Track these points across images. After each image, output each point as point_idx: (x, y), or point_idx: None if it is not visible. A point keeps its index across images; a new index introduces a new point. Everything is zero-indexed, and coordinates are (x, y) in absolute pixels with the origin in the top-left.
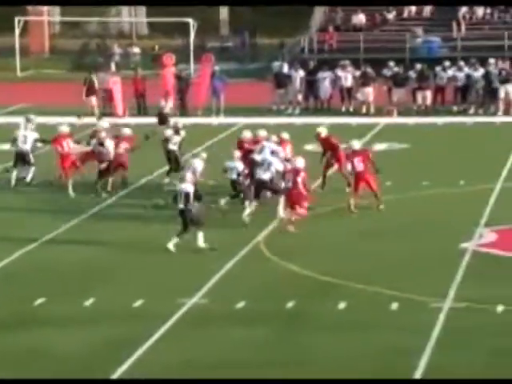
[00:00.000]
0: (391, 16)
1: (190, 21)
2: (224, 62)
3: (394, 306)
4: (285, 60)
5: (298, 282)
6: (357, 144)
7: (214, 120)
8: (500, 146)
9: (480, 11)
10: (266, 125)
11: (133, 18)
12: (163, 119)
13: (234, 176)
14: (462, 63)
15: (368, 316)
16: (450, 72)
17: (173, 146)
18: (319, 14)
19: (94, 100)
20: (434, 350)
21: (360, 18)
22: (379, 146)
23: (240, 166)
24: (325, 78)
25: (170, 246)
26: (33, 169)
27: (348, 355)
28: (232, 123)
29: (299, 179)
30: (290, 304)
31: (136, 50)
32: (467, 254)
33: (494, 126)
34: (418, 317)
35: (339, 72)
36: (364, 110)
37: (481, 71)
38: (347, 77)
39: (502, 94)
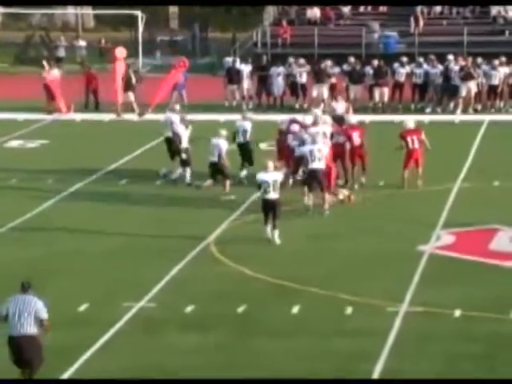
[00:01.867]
0: (347, 10)
1: (139, 13)
2: (173, 56)
3: (349, 310)
4: (237, 55)
5: (250, 286)
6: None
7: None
8: (459, 145)
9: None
10: (217, 121)
11: (78, 9)
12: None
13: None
14: (421, 59)
15: (322, 321)
16: (408, 68)
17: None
18: (272, 7)
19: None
20: (389, 355)
21: (315, 12)
22: None
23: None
24: (278, 74)
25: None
26: None
27: (302, 360)
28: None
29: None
30: (241, 308)
31: (82, 43)
32: (424, 257)
33: (453, 125)
34: (374, 321)
35: (293, 68)
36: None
37: (439, 68)
38: (302, 73)
39: (463, 92)
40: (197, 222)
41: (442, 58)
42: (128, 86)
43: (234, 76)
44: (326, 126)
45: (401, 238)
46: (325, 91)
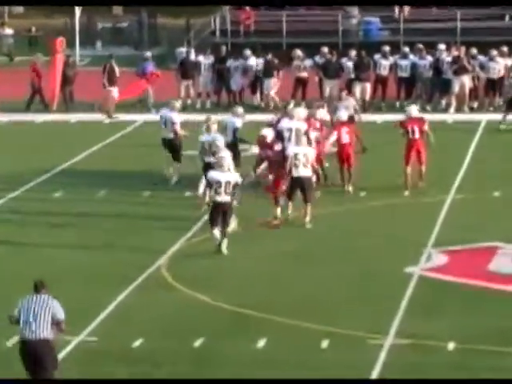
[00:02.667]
0: None
1: None
2: (117, 46)
3: (325, 343)
4: (192, 45)
5: (208, 316)
6: (344, 115)
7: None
8: (452, 149)
9: None
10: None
11: None
12: None
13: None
14: (406, 49)
15: (293, 355)
16: (392, 60)
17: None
18: None
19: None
20: None
21: None
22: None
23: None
24: (237, 67)
25: None
26: None
27: None
28: (129, 121)
29: None
30: (198, 342)
31: (8, 31)
32: (413, 280)
33: (445, 126)
34: (354, 356)
35: (251, 60)
36: (271, 104)
37: (428, 59)
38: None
39: (456, 88)
40: (147, 240)
41: (431, 48)
42: (65, 81)
43: (188, 69)
44: (300, 122)
45: (386, 258)
46: (272, 87)
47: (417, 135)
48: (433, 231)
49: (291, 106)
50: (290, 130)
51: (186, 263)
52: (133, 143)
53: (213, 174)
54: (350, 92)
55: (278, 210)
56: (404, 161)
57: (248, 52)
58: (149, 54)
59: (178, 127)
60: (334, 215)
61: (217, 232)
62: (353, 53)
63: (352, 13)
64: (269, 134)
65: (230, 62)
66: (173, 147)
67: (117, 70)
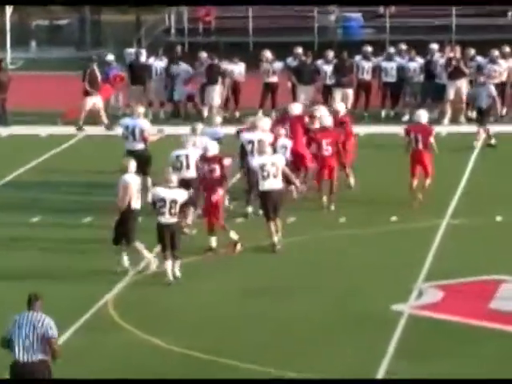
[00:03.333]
0: None
1: None
2: (56, 46)
3: None
4: (142, 45)
5: (160, 362)
6: (328, 120)
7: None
8: (447, 165)
9: None
10: (115, 136)
11: None
12: None
13: None
14: (392, 50)
15: None
16: (376, 62)
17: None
18: None
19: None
20: None
21: None
22: None
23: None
24: (179, 73)
25: None
26: None
27: None
28: (72, 134)
29: None
30: None
31: None
32: (402, 320)
33: (439, 138)
34: None
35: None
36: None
37: (419, 61)
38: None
39: (451, 95)
40: (91, 273)
41: (422, 48)
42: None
43: (138, 74)
44: (264, 134)
45: (369, 294)
46: (215, 96)
47: (420, 145)
48: (425, 262)
49: (259, 115)
50: (252, 142)
51: (136, 300)
52: (73, 159)
53: (157, 191)
54: (327, 100)
55: (213, 240)
56: (410, 174)
57: (203, 55)
58: (111, 56)
59: (148, 134)
60: (309, 243)
61: (169, 265)
62: (330, 54)
63: (330, 7)
64: (213, 148)
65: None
66: (143, 159)
67: (99, 75)
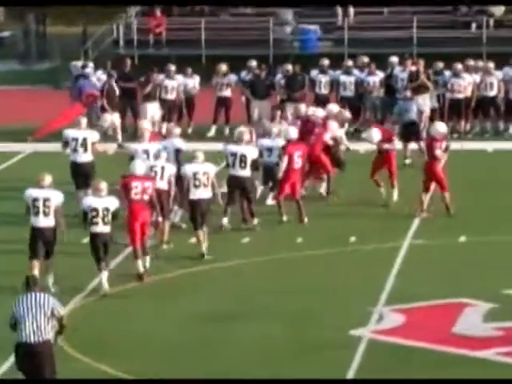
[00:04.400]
0: None
1: None
2: None
3: None
4: (89, 57)
5: None
6: (293, 133)
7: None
8: (408, 182)
9: None
10: (60, 155)
11: None
12: None
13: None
14: (350, 63)
15: None
16: (333, 76)
17: None
18: None
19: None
20: None
21: None
22: None
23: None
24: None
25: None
26: None
27: None
28: (14, 151)
29: None
30: None
31: None
32: (361, 346)
33: (400, 155)
34: None
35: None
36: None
37: (379, 75)
38: (172, 86)
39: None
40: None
41: (382, 62)
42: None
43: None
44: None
45: (329, 317)
46: (156, 112)
47: (429, 157)
48: (385, 285)
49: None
50: (234, 155)
51: (84, 325)
52: (17, 178)
53: (89, 201)
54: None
55: (139, 263)
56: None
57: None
58: (89, 69)
59: (96, 146)
60: (265, 264)
61: (105, 276)
62: (286, 67)
63: (286, 19)
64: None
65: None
66: (88, 171)
67: (117, 91)
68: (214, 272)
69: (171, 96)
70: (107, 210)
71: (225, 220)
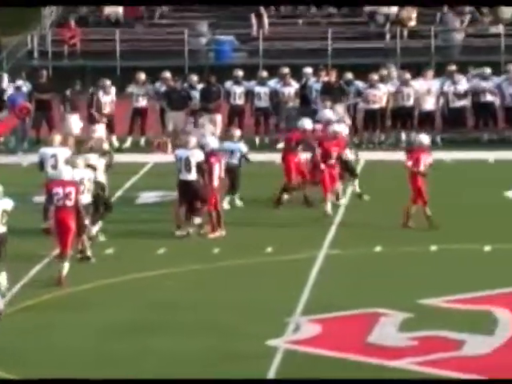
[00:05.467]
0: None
1: None
2: None
3: None
4: (4, 69)
5: None
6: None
7: None
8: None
9: None
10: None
11: None
12: None
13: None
14: (264, 74)
15: None
16: (248, 86)
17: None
18: None
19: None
20: None
21: (116, 8)
22: (146, 196)
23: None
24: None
25: None
26: None
27: None
28: None
29: None
30: None
31: None
32: (277, 356)
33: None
34: None
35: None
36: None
37: (294, 86)
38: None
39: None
40: None
41: (297, 72)
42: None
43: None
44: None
45: (244, 328)
46: (73, 125)
47: (422, 167)
48: (301, 295)
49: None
50: (181, 159)
51: None
52: None
53: None
54: (197, 124)
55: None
56: (411, 198)
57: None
58: (20, 82)
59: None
60: (180, 276)
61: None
62: (194, 78)
63: (201, 30)
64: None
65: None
66: None
67: (102, 102)
68: (131, 283)
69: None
70: (6, 212)
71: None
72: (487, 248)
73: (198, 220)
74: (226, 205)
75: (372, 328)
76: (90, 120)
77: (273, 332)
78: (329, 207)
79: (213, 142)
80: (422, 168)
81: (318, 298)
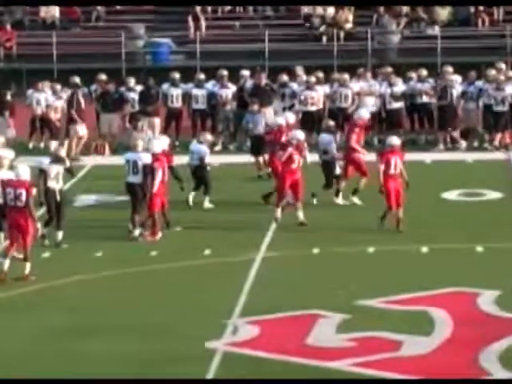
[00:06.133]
0: (99, 7)
1: None
2: None
3: None
4: None
5: None
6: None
7: None
8: (259, 194)
9: None
10: None
11: None
12: None
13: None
14: (202, 76)
15: None
16: (185, 89)
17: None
18: None
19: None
20: None
21: (52, 10)
22: (83, 199)
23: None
24: None
25: None
26: None
27: None
28: None
29: None
30: None
31: None
32: (216, 358)
33: (250, 168)
34: None
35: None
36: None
37: (231, 88)
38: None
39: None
40: None
41: (234, 75)
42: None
43: None
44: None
45: (183, 331)
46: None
47: (398, 170)
48: (240, 297)
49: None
50: (128, 162)
51: None
52: None
53: None
54: (135, 128)
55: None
56: (387, 202)
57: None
58: None
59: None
60: (117, 278)
61: None
62: (132, 81)
63: (137, 32)
64: (24, 173)
65: None
66: None
67: (82, 102)
68: (67, 286)
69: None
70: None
71: (136, 232)
72: (424, 249)
73: (136, 232)
74: (190, 201)
75: (310, 329)
76: (70, 121)
77: (211, 334)
78: (279, 213)
79: (157, 146)
80: (392, 170)
81: (256, 299)
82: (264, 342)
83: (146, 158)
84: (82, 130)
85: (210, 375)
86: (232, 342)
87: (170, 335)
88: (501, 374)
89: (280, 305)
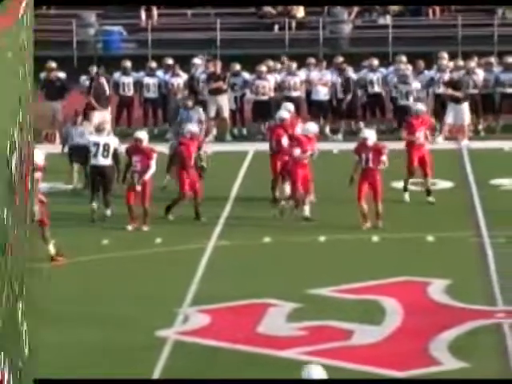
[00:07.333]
0: None
1: None
2: None
3: None
4: None
5: None
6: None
7: None
8: (212, 185)
9: None
10: None
11: None
12: None
13: None
14: (153, 64)
15: None
16: (137, 77)
17: None
18: None
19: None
20: None
21: None
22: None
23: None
24: None
25: None
26: None
27: None
28: None
29: None
30: None
31: None
32: (167, 347)
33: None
34: None
35: None
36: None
37: (183, 77)
38: None
39: (212, 112)
40: None
41: (186, 63)
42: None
43: None
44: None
45: (133, 319)
46: None
47: (371, 164)
48: (190, 286)
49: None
50: (97, 144)
51: None
52: None
53: None
54: (88, 117)
55: None
56: (357, 196)
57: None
58: None
59: None
60: (69, 267)
61: None
62: (91, 70)
63: (88, 20)
64: None
65: None
66: None
67: (106, 87)
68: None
69: None
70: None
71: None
72: (375, 238)
73: (108, 211)
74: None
75: (261, 318)
76: (88, 107)
77: (162, 323)
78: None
79: (114, 141)
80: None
81: (206, 288)
82: (215, 331)
83: (115, 142)
84: (107, 116)
85: (160, 363)
86: (183, 331)
87: (120, 324)
88: (450, 363)
89: (231, 294)
